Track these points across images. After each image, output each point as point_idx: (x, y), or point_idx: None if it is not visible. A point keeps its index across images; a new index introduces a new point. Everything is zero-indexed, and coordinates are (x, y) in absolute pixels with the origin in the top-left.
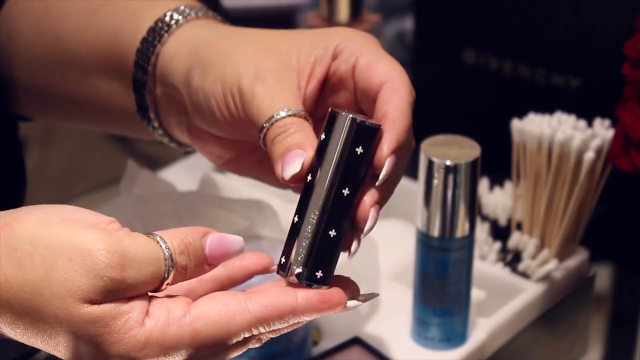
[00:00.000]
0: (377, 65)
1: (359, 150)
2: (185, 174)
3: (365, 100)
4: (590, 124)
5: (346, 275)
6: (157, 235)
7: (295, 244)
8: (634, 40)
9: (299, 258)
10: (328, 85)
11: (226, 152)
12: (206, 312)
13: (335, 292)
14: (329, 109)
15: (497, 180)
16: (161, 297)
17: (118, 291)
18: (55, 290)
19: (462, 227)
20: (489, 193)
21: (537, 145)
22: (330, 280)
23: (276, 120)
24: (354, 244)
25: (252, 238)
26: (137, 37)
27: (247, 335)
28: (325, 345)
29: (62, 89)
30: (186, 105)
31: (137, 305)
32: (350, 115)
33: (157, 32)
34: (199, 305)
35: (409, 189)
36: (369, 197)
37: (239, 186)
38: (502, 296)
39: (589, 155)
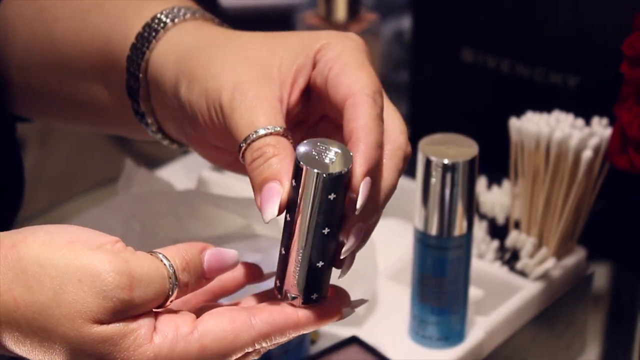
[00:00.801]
0: (342, 79)
1: (332, 196)
2: (182, 173)
3: (336, 115)
4: (588, 122)
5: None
6: (159, 253)
7: (287, 274)
8: (632, 38)
9: (292, 286)
10: (312, 94)
11: (224, 156)
12: (213, 329)
13: (333, 306)
14: (295, 156)
15: (495, 178)
16: (167, 314)
17: (126, 311)
18: (65, 311)
19: (460, 226)
20: (486, 192)
21: (535, 144)
22: (326, 296)
23: (253, 140)
24: (347, 260)
25: (249, 237)
26: (127, 44)
27: (249, 350)
28: (323, 344)
29: (59, 92)
30: (178, 114)
31: (145, 323)
32: (315, 171)
33: (146, 38)
34: (206, 322)
35: (407, 188)
36: (352, 231)
37: (236, 185)
38: (500, 295)
39: (587, 154)
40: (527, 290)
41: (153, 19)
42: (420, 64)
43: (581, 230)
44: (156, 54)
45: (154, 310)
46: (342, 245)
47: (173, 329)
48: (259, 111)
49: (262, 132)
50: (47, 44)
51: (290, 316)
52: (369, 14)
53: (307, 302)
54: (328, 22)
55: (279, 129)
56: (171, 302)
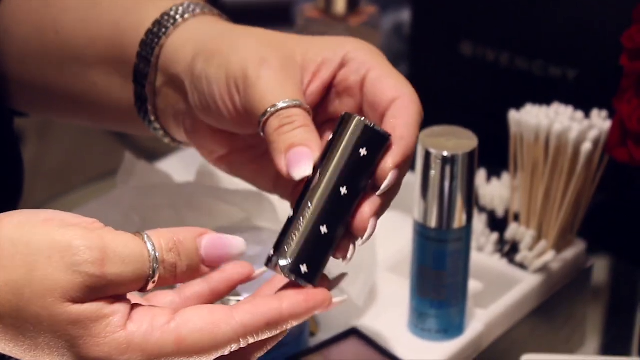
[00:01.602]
0: (388, 81)
1: (363, 152)
2: (182, 166)
3: (372, 114)
4: (587, 115)
5: (344, 267)
6: (144, 233)
7: (285, 236)
8: (631, 31)
9: (286, 249)
10: (333, 92)
11: (220, 147)
12: (191, 319)
13: (320, 291)
14: (343, 112)
15: (494, 171)
16: (145, 305)
17: (98, 288)
18: (35, 289)
19: (459, 218)
20: (486, 184)
21: (534, 137)
22: (317, 278)
23: (281, 109)
24: (350, 250)
25: (249, 229)
26: (141, 30)
27: (234, 347)
28: (323, 336)
29: (58, 84)
30: (187, 93)
31: (120, 309)
32: (362, 118)
33: (163, 25)
34: (184, 313)
35: (406, 180)
36: (369, 205)
37: (235, 178)
38: (499, 287)
39: (587, 147)
40: (526, 283)
41: (171, 8)
42: (419, 56)
43: (580, 222)
44: (172, 39)
45: (132, 301)
46: (351, 233)
47: (149, 318)
48: (285, 85)
49: (290, 103)
50: (51, 35)
51: (273, 304)
52: (368, 6)
53: (294, 273)
54: (327, 14)
55: (307, 106)
56: (154, 284)
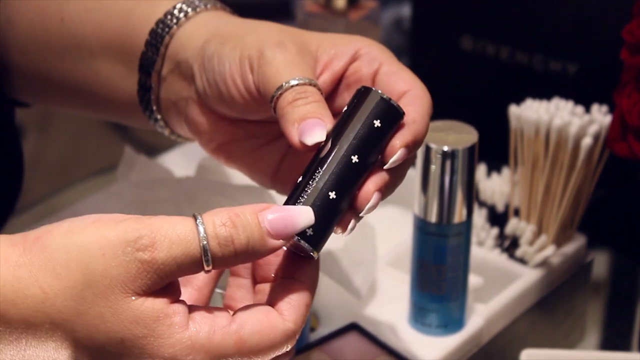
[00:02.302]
0: (401, 74)
1: (377, 123)
2: (182, 160)
3: None
4: (587, 109)
5: (344, 260)
6: (198, 214)
7: (292, 200)
8: (631, 25)
9: None
10: (343, 85)
11: (221, 135)
12: (249, 321)
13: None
14: (361, 86)
15: (494, 166)
16: (203, 308)
17: (153, 275)
18: (96, 290)
19: (459, 213)
20: (486, 179)
21: (534, 131)
22: (321, 246)
23: (296, 85)
24: (351, 222)
25: None
26: (151, 19)
27: (290, 346)
28: (323, 331)
29: (59, 73)
30: (193, 78)
31: (180, 309)
32: (379, 91)
33: (175, 15)
34: (242, 315)
35: (407, 175)
36: (375, 179)
37: (236, 172)
38: (499, 282)
39: (587, 141)
40: (526, 278)
41: (182, 3)
42: (419, 51)
43: (581, 217)
44: (184, 29)
45: (189, 304)
46: (354, 206)
47: (210, 319)
48: (303, 64)
49: (305, 80)
50: (55, 23)
51: (302, 290)
52: (368, 1)
53: (300, 236)
54: (328, 9)
55: (319, 85)
56: (212, 264)
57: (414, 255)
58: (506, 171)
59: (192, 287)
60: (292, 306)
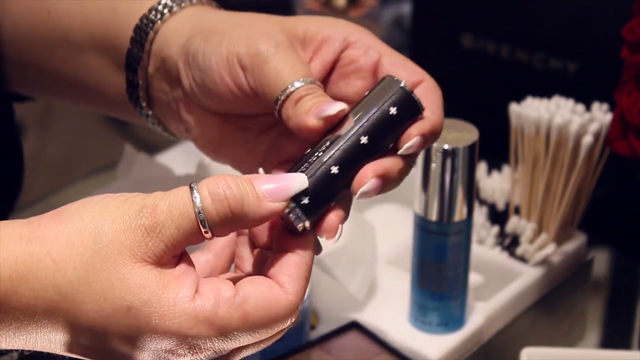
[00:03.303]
0: (408, 65)
1: (393, 110)
2: (182, 158)
3: None
4: (588, 108)
5: (344, 258)
6: (194, 182)
7: (295, 166)
8: (632, 24)
9: None
10: (336, 73)
11: (210, 131)
12: (253, 294)
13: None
14: (386, 75)
15: (495, 164)
16: (208, 278)
17: (156, 238)
18: (105, 254)
19: (460, 211)
20: (487, 177)
21: (535, 130)
22: (315, 217)
23: (300, 87)
24: (339, 228)
25: None
26: (136, 15)
27: (294, 319)
28: (323, 329)
29: (50, 66)
30: (179, 76)
31: (187, 282)
32: (403, 82)
33: (159, 11)
34: (245, 287)
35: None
36: (375, 165)
37: (235, 170)
38: (499, 280)
39: (587, 140)
40: (526, 276)
41: None
42: (420, 49)
43: (581, 215)
44: (168, 24)
45: (207, 270)
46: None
47: (215, 291)
48: (300, 59)
49: (308, 81)
50: (42, 16)
51: (301, 262)
52: None
53: (295, 202)
54: (328, 7)
55: (321, 85)
56: (211, 226)
57: (415, 254)
58: (507, 169)
59: (210, 252)
60: (293, 279)
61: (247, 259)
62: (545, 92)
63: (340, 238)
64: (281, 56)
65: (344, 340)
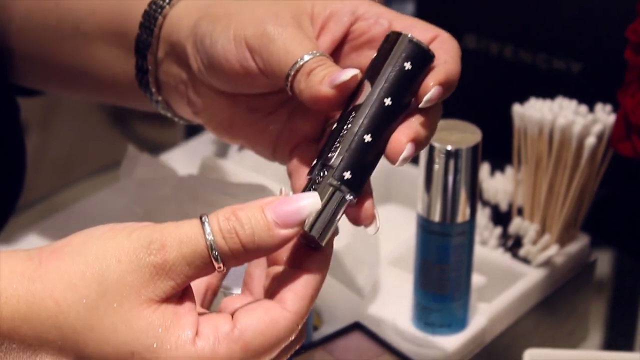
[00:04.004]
0: (421, 24)
1: (407, 65)
2: (185, 158)
3: None
4: (591, 109)
5: (347, 259)
6: (204, 214)
7: (327, 146)
8: (635, 24)
9: (329, 155)
10: (347, 47)
11: (220, 112)
12: (251, 322)
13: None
14: (389, 32)
15: (498, 165)
16: (206, 315)
17: (165, 277)
18: (110, 299)
19: (463, 212)
20: (489, 178)
21: (538, 131)
22: (360, 189)
23: (309, 59)
24: (376, 216)
25: None
26: (144, 1)
27: (294, 336)
28: (326, 330)
29: (59, 57)
30: (188, 60)
31: (189, 322)
32: (408, 34)
33: None
34: (243, 317)
35: (410, 174)
36: (406, 130)
37: (239, 171)
38: (502, 281)
39: (590, 141)
40: (529, 277)
41: None
42: None
43: (584, 217)
44: (176, 9)
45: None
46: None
47: (213, 329)
48: (307, 35)
49: (317, 54)
50: (51, 8)
51: (308, 280)
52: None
53: (339, 179)
54: None
55: (329, 57)
56: (221, 263)
57: (417, 255)
58: (510, 170)
59: None
60: (296, 296)
61: (256, 278)
62: (548, 93)
63: (343, 239)
64: (289, 34)
65: (346, 341)
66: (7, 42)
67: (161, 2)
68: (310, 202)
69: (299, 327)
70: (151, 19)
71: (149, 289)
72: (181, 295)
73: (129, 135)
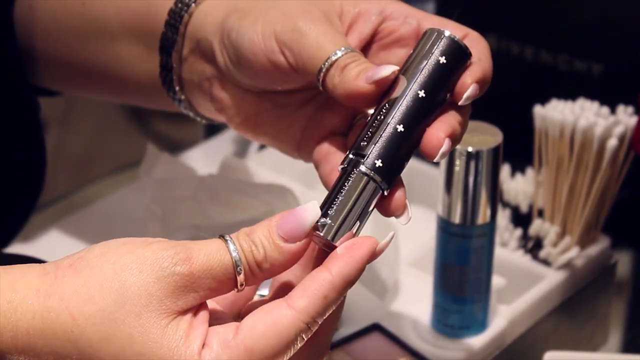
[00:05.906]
0: (450, 24)
1: (442, 60)
2: (205, 158)
3: None
4: (613, 110)
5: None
6: (226, 234)
7: (361, 135)
8: None
9: (362, 144)
10: (376, 46)
11: (247, 108)
12: (253, 326)
13: (362, 239)
14: (427, 28)
15: (518, 166)
16: (216, 326)
17: (190, 289)
18: (129, 309)
19: (483, 214)
20: (510, 179)
21: (559, 132)
22: (392, 179)
23: (342, 55)
24: (408, 206)
25: None
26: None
27: (305, 335)
28: (345, 331)
29: (83, 57)
30: (214, 56)
31: (199, 334)
32: (446, 30)
33: None
34: (245, 322)
35: (430, 175)
36: (442, 126)
37: (259, 171)
38: (522, 283)
39: (612, 143)
40: (550, 279)
41: None
42: None
43: (605, 219)
44: (203, 7)
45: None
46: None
47: (217, 338)
48: (339, 31)
49: (350, 49)
50: (77, 8)
51: (321, 278)
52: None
53: (371, 168)
54: None
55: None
56: (244, 280)
57: (437, 256)
58: (530, 172)
59: None
60: (305, 294)
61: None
62: (569, 94)
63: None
64: (320, 29)
65: (365, 342)
66: (32, 42)
67: (187, 0)
68: (310, 211)
69: (309, 326)
70: (177, 17)
71: (172, 299)
72: (198, 306)
73: (149, 134)
